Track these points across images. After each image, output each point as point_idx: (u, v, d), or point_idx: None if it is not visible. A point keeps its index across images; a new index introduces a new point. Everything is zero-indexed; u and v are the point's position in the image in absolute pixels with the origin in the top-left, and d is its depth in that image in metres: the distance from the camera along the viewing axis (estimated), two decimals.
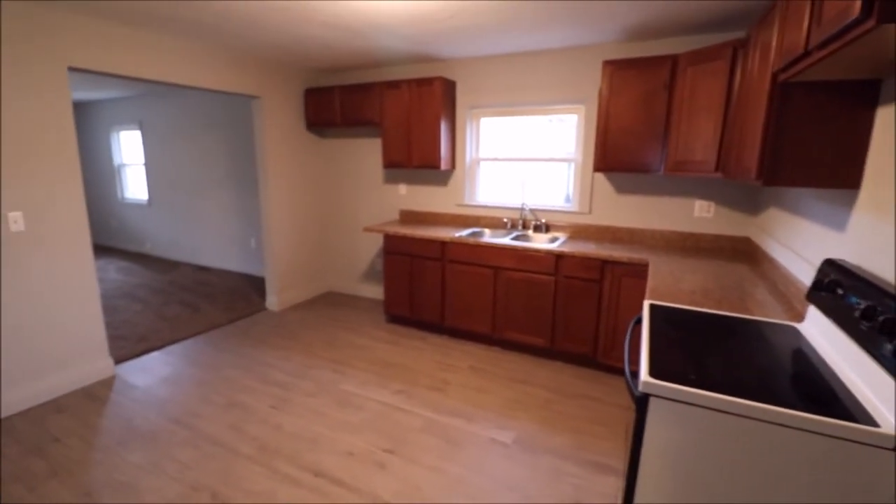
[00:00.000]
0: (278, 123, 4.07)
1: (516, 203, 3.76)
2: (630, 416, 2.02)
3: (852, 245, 1.51)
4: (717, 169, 2.48)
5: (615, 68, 2.88)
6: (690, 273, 2.42)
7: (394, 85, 3.72)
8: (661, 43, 3.02)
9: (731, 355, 1.38)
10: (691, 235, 3.15)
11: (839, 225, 1.63)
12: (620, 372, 3.03)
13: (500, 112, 3.74)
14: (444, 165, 3.71)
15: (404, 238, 3.63)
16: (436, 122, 3.60)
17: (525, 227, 3.71)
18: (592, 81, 3.28)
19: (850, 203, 1.56)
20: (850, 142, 1.52)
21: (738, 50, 2.33)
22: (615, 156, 2.99)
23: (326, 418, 2.54)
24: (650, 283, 2.21)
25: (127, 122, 6.37)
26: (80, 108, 6.92)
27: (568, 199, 3.63)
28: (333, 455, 2.24)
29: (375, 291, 4.65)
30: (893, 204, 1.28)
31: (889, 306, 1.10)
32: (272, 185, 4.10)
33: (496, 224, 3.84)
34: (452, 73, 3.80)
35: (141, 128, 6.21)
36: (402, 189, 4.29)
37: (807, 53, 1.29)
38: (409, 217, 4.30)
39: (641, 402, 1.21)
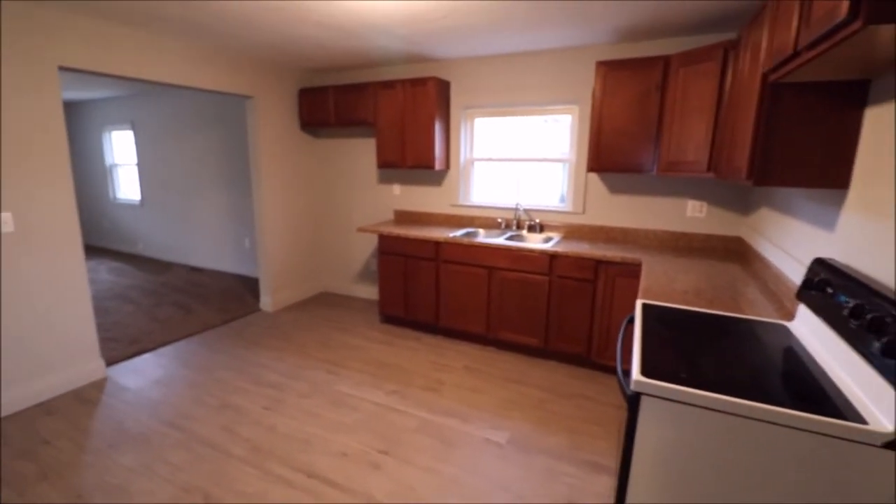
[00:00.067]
0: (272, 123, 4.06)
1: (510, 203, 3.76)
2: (624, 415, 2.03)
3: (841, 244, 1.53)
4: (708, 169, 2.49)
5: (608, 69, 2.89)
6: (683, 273, 2.43)
7: (388, 85, 3.71)
8: (654, 44, 3.04)
9: (722, 354, 1.39)
10: (684, 235, 3.17)
11: (829, 224, 1.64)
12: (614, 371, 3.05)
13: (495, 112, 3.75)
14: (438, 166, 3.71)
15: (398, 238, 3.63)
16: (430, 123, 3.60)
17: (519, 227, 3.71)
18: (586, 82, 3.29)
19: (839, 203, 1.57)
20: (840, 142, 1.53)
21: (729, 51, 2.35)
22: (609, 156, 3.00)
23: (320, 419, 2.53)
24: (643, 282, 2.22)
25: (119, 122, 6.32)
26: (71, 108, 6.86)
27: (562, 200, 3.64)
28: (327, 456, 2.23)
29: (370, 292, 4.64)
30: (882, 203, 1.29)
31: (877, 305, 1.11)
32: (266, 185, 4.08)
33: (490, 224, 3.84)
34: (447, 73, 3.80)
35: (133, 127, 6.16)
36: (397, 189, 4.28)
37: (796, 54, 1.30)
38: (403, 217, 4.30)
39: (633, 401, 1.21)
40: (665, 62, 2.73)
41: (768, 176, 1.65)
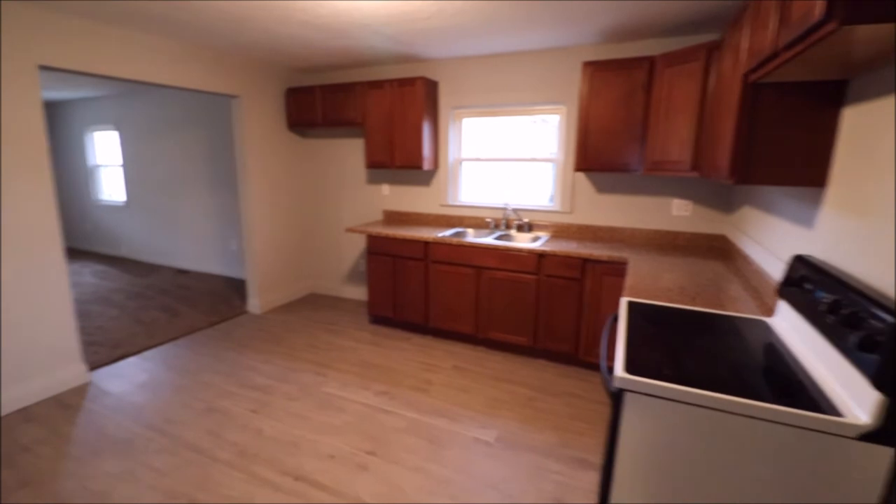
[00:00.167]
0: (259, 123, 4.02)
1: (499, 203, 3.77)
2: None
3: (820, 241, 1.55)
4: (693, 168, 2.53)
5: (594, 69, 2.92)
6: (668, 270, 2.46)
7: (376, 85, 3.70)
8: (639, 45, 3.07)
9: (704, 350, 1.41)
10: (669, 233, 3.21)
11: (808, 222, 1.67)
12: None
13: (483, 112, 3.76)
14: (426, 166, 3.70)
15: (387, 238, 3.62)
16: (418, 123, 3.60)
17: (508, 226, 3.72)
18: (573, 82, 3.31)
19: (818, 201, 1.60)
20: (818, 141, 1.56)
21: (712, 51, 2.38)
22: (595, 156, 3.02)
23: (308, 421, 2.52)
24: (629, 280, 2.24)
25: (103, 122, 6.22)
26: (53, 108, 6.73)
27: (551, 199, 3.65)
28: (314, 458, 2.21)
29: (359, 293, 4.62)
30: (858, 201, 1.32)
31: (853, 300, 1.13)
32: (253, 185, 4.05)
33: (479, 224, 3.85)
34: (435, 73, 3.80)
35: (118, 127, 6.07)
36: (386, 189, 4.27)
37: (775, 55, 1.32)
38: (392, 217, 4.29)
39: (616, 398, 1.22)
40: (650, 63, 2.76)
41: (749, 175, 1.68)
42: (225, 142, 5.09)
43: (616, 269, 2.85)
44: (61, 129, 6.77)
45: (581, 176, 3.44)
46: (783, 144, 1.61)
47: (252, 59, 3.79)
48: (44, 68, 2.62)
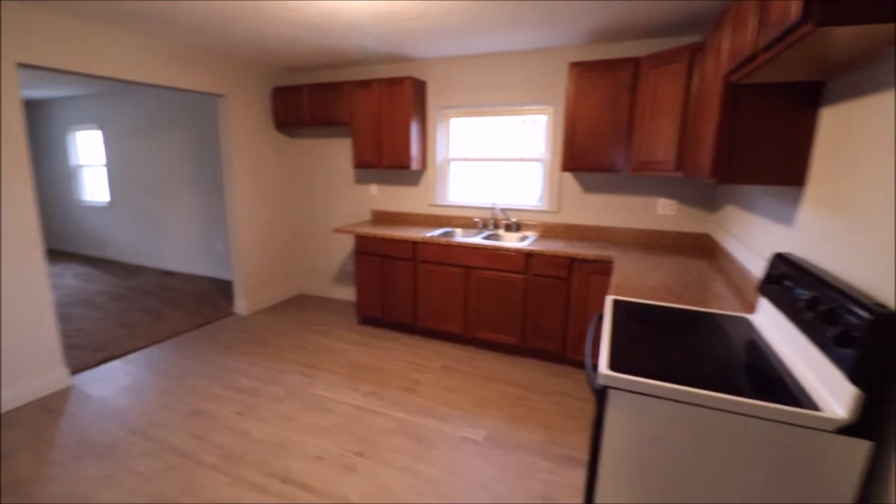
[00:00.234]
0: (245, 123, 3.98)
1: (487, 203, 3.78)
2: None
3: (800, 239, 1.58)
4: (677, 168, 2.56)
5: (581, 70, 2.94)
6: (654, 269, 2.48)
7: (364, 84, 3.69)
8: (626, 46, 3.10)
9: (687, 347, 1.43)
10: (655, 233, 3.24)
11: (788, 220, 1.70)
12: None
13: (471, 112, 3.76)
14: (415, 165, 3.70)
15: (375, 238, 3.61)
16: (406, 122, 3.59)
17: (496, 226, 3.73)
18: (560, 83, 3.33)
19: (797, 199, 1.63)
20: (797, 141, 1.59)
21: (695, 53, 2.41)
22: (582, 156, 3.04)
23: (295, 423, 2.50)
24: (615, 279, 2.26)
25: (85, 121, 6.10)
26: (34, 107, 6.59)
27: (539, 199, 3.67)
28: (302, 460, 2.20)
29: (347, 293, 4.60)
30: (835, 199, 1.34)
31: (830, 297, 1.15)
32: (239, 185, 4.00)
33: (468, 224, 3.85)
34: (423, 73, 3.79)
35: (101, 127, 5.96)
36: (374, 189, 4.26)
37: (754, 56, 1.34)
38: (380, 217, 4.28)
39: (601, 395, 1.23)
40: (635, 64, 2.79)
41: (731, 174, 1.70)
42: (211, 142, 5.04)
43: (603, 268, 2.87)
44: (42, 128, 6.63)
45: (568, 176, 3.46)
46: (764, 144, 1.64)
47: (238, 58, 3.75)
48: (23, 66, 2.57)
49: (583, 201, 3.44)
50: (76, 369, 3.07)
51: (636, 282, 2.21)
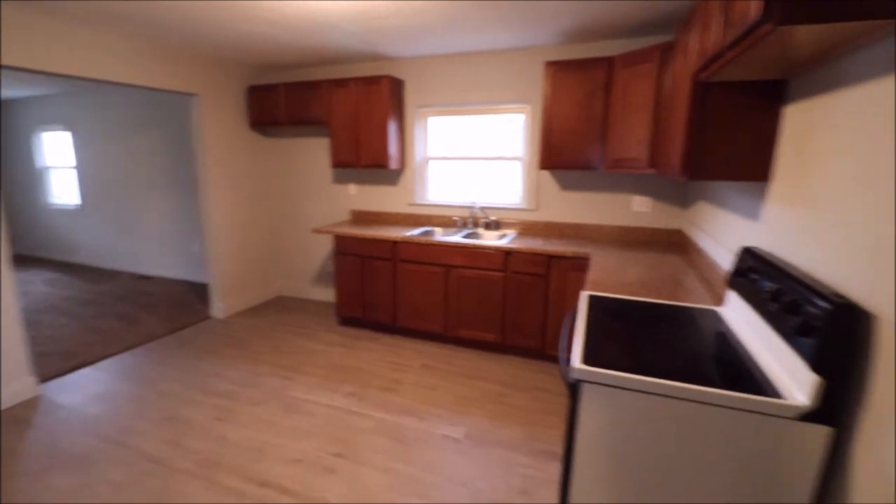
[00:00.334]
0: (219, 122, 3.91)
1: (467, 201, 3.79)
2: None
3: (765, 233, 1.63)
4: (650, 165, 2.60)
5: (556, 69, 2.97)
6: (631, 265, 2.52)
7: (341, 83, 3.66)
8: (602, 45, 3.14)
9: (659, 340, 1.46)
10: (631, 229, 3.29)
11: (755, 215, 1.75)
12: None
13: (449, 111, 3.76)
14: (393, 165, 3.68)
15: (355, 238, 3.58)
16: (384, 121, 3.57)
17: (476, 225, 3.74)
18: (537, 82, 3.36)
19: (763, 194, 1.68)
20: (762, 137, 1.63)
21: (666, 52, 2.45)
22: (559, 154, 3.07)
23: (274, 426, 2.46)
24: (591, 275, 2.29)
25: (53, 122, 5.90)
26: None
27: (519, 197, 3.69)
28: (280, 463, 2.17)
29: (327, 294, 4.55)
30: (797, 194, 1.39)
31: (793, 288, 1.19)
32: (214, 186, 3.93)
33: (447, 223, 3.86)
34: (400, 71, 3.78)
35: (70, 128, 5.77)
36: (353, 189, 4.22)
37: (720, 54, 1.37)
38: (360, 217, 4.25)
39: (574, 388, 1.25)
40: (609, 63, 2.82)
41: (700, 170, 1.74)
42: (185, 142, 4.92)
43: (580, 265, 2.90)
44: (7, 129, 6.39)
45: (546, 174, 3.49)
46: (731, 141, 1.68)
47: (212, 56, 3.68)
48: None
49: (561, 199, 3.48)
50: (44, 378, 2.96)
51: (612, 277, 2.24)
